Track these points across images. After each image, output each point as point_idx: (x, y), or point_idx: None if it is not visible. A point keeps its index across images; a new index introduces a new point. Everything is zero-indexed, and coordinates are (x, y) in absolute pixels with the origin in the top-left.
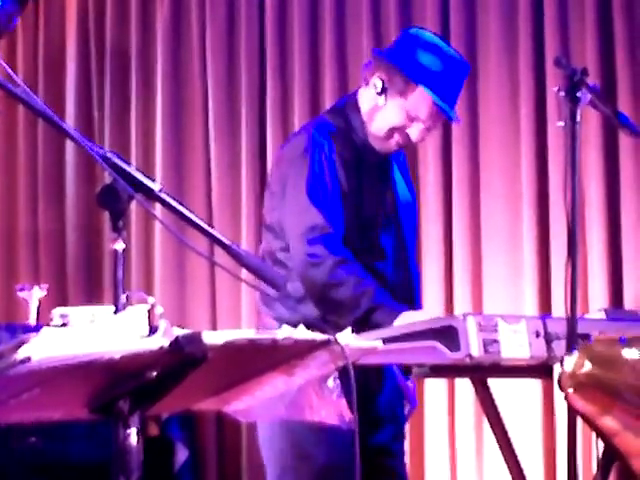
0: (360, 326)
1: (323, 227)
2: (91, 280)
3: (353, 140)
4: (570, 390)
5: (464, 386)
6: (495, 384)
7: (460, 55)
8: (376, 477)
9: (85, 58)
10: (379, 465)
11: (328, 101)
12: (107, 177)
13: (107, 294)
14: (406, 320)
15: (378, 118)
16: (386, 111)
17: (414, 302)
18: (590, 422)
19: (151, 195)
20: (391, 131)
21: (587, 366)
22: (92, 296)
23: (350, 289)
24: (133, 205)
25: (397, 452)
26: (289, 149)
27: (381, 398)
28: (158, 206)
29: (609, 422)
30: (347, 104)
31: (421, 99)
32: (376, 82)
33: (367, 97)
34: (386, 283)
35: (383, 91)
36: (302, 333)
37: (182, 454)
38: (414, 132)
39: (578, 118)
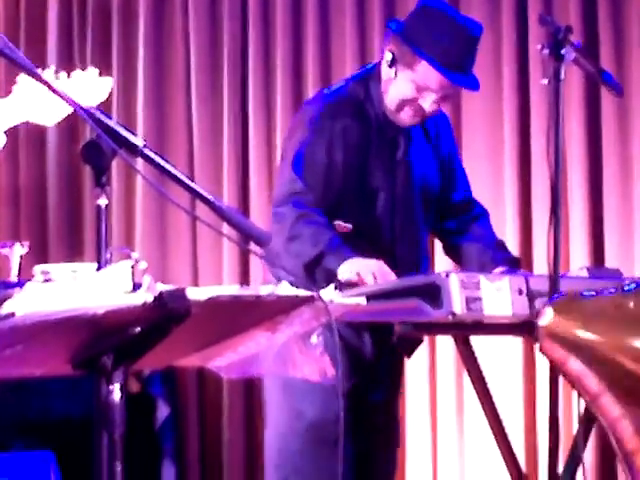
0: (311, 270)
1: (298, 192)
2: (72, 236)
3: (367, 112)
4: (541, 340)
5: (445, 342)
6: (477, 341)
7: (470, 20)
8: (372, 433)
9: (67, 13)
10: (374, 422)
11: (310, 66)
12: (89, 133)
13: (88, 250)
14: (351, 265)
15: (391, 90)
16: (397, 83)
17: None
18: (559, 368)
19: (135, 151)
20: (402, 103)
21: (551, 315)
22: (73, 253)
23: (306, 240)
24: (114, 160)
25: (391, 409)
26: (296, 118)
27: (374, 356)
28: (139, 161)
29: (575, 365)
30: (370, 74)
31: (427, 71)
32: (387, 55)
33: (383, 69)
34: (389, 256)
35: (393, 63)
36: (285, 290)
37: (164, 410)
38: (427, 103)
39: (562, 76)
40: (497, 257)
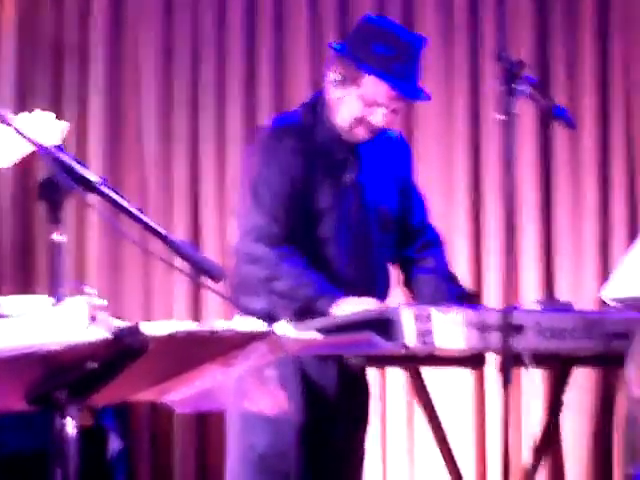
0: (303, 315)
1: (265, 226)
2: (24, 271)
3: (315, 135)
4: None
5: (396, 375)
6: (428, 374)
7: (412, 33)
8: (332, 470)
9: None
10: (334, 458)
11: (262, 96)
12: (42, 169)
13: (39, 285)
14: (344, 305)
15: (340, 110)
16: (345, 103)
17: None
18: None
19: (91, 187)
20: (355, 121)
21: None
22: (24, 287)
23: (291, 281)
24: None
25: (354, 446)
26: (250, 146)
27: (338, 390)
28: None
29: None
30: (318, 98)
31: (374, 85)
32: (332, 75)
33: (329, 91)
34: (339, 279)
35: (340, 83)
36: (240, 324)
37: (116, 444)
38: (377, 118)
39: (515, 110)
40: (451, 292)
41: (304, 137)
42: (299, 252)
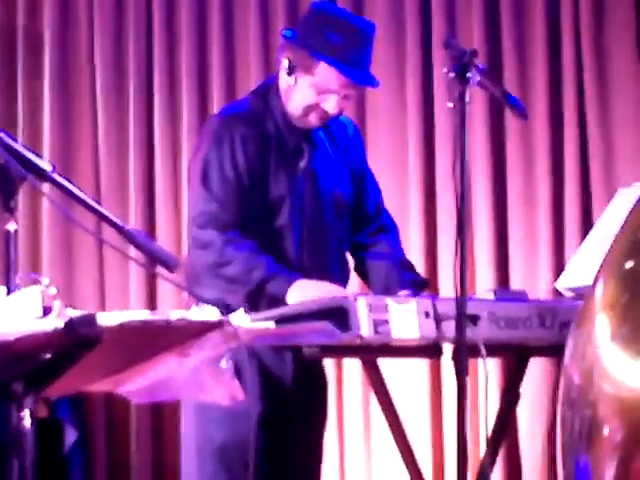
0: (255, 299)
1: (214, 212)
2: None
3: (266, 123)
4: None
5: (352, 366)
6: (383, 364)
7: (362, 19)
8: (290, 458)
9: None
10: (292, 447)
11: (215, 86)
12: None
13: None
14: (300, 289)
15: (293, 98)
16: (298, 90)
17: None
18: None
19: (43, 176)
20: (307, 108)
21: None
22: None
23: (239, 265)
24: None
25: (312, 436)
26: (199, 135)
27: (295, 380)
28: (46, 185)
29: None
30: (269, 86)
31: (326, 72)
32: (284, 62)
33: (281, 79)
34: (296, 268)
35: (291, 71)
36: (195, 314)
37: (71, 435)
38: (330, 105)
39: (467, 99)
40: (404, 278)
41: (255, 124)
42: (250, 237)
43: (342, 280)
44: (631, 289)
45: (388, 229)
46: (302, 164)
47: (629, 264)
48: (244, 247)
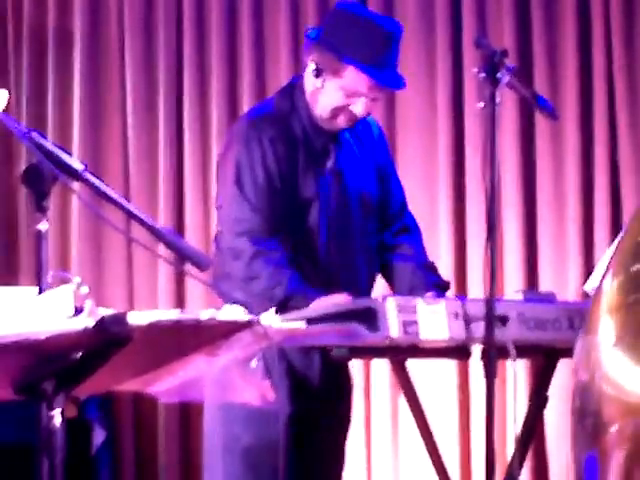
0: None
1: (248, 219)
2: (7, 260)
3: (293, 123)
4: None
5: (380, 367)
6: (412, 365)
7: (387, 18)
8: (317, 462)
9: (2, 39)
10: (321, 451)
11: (245, 86)
12: (28, 156)
13: (24, 276)
14: (319, 306)
15: (320, 100)
16: (325, 92)
17: (357, 287)
18: None
19: (75, 175)
20: (335, 111)
21: None
22: (8, 277)
23: (264, 281)
24: None
25: (339, 438)
26: (227, 135)
27: (322, 381)
28: (76, 184)
29: None
30: (295, 85)
31: (355, 76)
32: (311, 65)
33: (308, 80)
34: (324, 268)
35: (319, 73)
36: (226, 314)
37: (100, 435)
38: (358, 107)
39: (497, 99)
40: (428, 280)
41: (282, 126)
42: (283, 245)
43: (369, 279)
44: (636, 291)
45: (411, 229)
46: (329, 164)
47: (634, 267)
48: (271, 262)
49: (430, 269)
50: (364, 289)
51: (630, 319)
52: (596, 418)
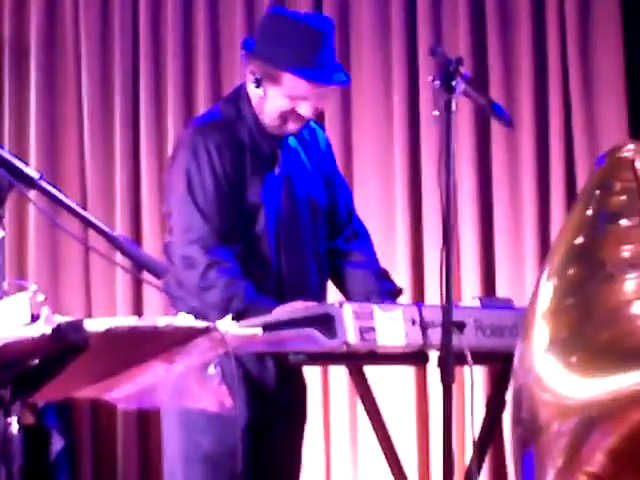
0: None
1: (199, 227)
2: None
3: (240, 129)
4: None
5: (338, 373)
6: (370, 371)
7: (316, 16)
8: (275, 468)
9: None
10: (278, 456)
11: (202, 95)
12: None
13: None
14: (277, 312)
15: (266, 108)
16: (269, 101)
17: (308, 292)
18: None
19: (31, 183)
20: (283, 115)
21: None
22: None
23: (219, 292)
24: None
25: (295, 443)
26: (175, 144)
27: (277, 386)
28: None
29: None
30: (240, 92)
31: (293, 81)
32: (250, 77)
33: (250, 90)
34: (274, 275)
35: (259, 83)
36: (183, 320)
37: (58, 443)
38: (305, 109)
39: (453, 107)
40: (381, 288)
41: (228, 132)
42: (233, 254)
43: (320, 284)
44: (572, 295)
45: (361, 235)
46: (277, 169)
47: (570, 271)
48: (225, 272)
49: (383, 276)
50: (315, 295)
51: (562, 323)
52: (532, 423)
